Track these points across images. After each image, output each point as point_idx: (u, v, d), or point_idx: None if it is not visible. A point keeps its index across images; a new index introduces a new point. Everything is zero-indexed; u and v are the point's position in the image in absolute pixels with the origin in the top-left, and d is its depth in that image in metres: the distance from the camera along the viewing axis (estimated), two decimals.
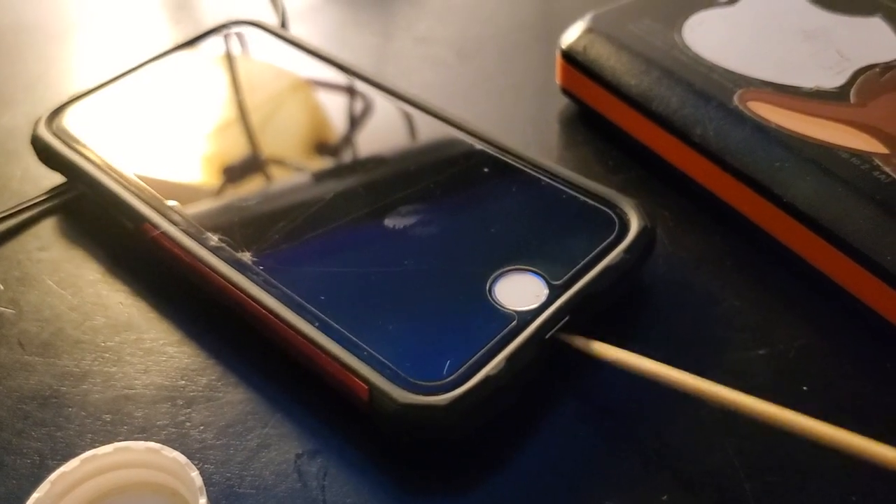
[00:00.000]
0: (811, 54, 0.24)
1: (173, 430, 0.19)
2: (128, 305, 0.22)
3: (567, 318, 0.19)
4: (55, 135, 0.24)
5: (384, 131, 0.24)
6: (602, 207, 0.21)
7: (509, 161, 0.23)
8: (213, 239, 0.21)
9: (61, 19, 0.33)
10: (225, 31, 0.28)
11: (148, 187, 0.22)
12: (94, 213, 0.24)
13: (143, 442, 0.17)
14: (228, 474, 0.18)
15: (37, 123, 0.24)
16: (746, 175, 0.21)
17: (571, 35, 0.26)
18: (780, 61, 0.24)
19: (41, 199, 0.24)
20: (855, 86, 0.23)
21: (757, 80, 0.23)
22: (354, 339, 0.18)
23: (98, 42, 0.32)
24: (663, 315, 0.21)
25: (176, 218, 0.21)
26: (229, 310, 0.21)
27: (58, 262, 0.23)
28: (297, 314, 0.19)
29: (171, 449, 0.17)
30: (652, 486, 0.17)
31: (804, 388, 0.19)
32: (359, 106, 0.25)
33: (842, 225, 0.20)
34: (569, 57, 0.26)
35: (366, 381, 0.17)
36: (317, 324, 0.19)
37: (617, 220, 0.21)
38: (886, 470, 0.15)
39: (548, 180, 0.22)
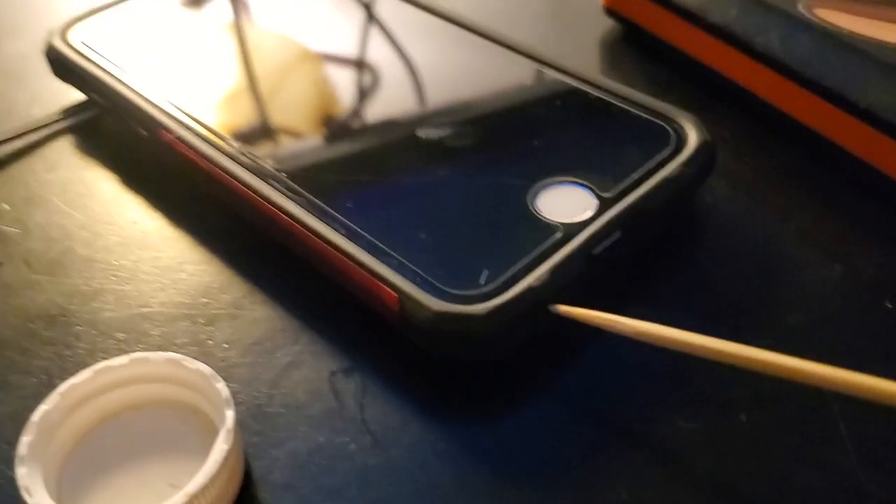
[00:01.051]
0: None
1: (194, 347, 0.17)
2: (142, 223, 0.20)
3: (618, 234, 0.17)
4: (69, 45, 0.22)
5: (420, 45, 0.22)
6: (658, 122, 0.19)
7: (558, 76, 0.21)
8: (233, 145, 0.19)
9: None
10: None
11: (163, 95, 0.20)
12: (102, 134, 0.23)
13: (162, 353, 0.15)
14: (256, 393, 0.16)
15: (51, 35, 0.23)
16: (817, 83, 0.20)
17: None
18: None
19: (48, 122, 0.23)
20: None
21: None
22: (383, 246, 0.16)
23: None
24: (729, 235, 0.19)
25: (193, 124, 0.19)
26: (253, 226, 0.19)
27: (66, 182, 0.21)
28: (322, 220, 0.17)
29: (193, 360, 0.15)
30: (727, 404, 0.16)
31: (888, 304, 0.17)
32: (395, 20, 0.23)
33: None
34: None
35: (396, 288, 0.16)
36: (343, 231, 0.17)
37: (674, 135, 0.19)
38: None
39: (599, 94, 0.20)
